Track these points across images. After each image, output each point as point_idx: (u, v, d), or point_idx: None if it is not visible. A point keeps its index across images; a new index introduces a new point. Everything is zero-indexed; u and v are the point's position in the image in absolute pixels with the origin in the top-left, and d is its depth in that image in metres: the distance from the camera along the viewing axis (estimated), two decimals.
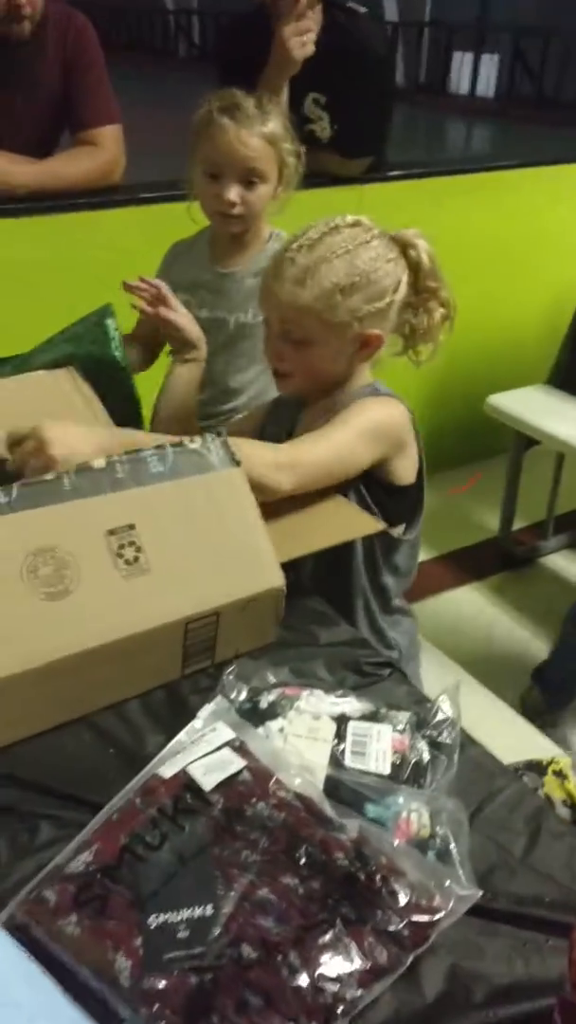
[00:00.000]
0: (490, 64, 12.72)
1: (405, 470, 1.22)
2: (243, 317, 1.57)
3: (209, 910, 0.71)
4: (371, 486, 1.21)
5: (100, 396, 1.27)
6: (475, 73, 12.78)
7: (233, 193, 1.48)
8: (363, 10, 2.23)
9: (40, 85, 2.05)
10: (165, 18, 17.16)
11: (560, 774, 1.39)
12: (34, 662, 0.88)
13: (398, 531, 1.25)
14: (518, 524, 2.72)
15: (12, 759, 0.91)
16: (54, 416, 1.24)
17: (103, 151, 2.08)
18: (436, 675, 1.64)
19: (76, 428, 1.05)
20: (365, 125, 2.33)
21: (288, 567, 1.05)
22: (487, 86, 12.84)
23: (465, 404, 2.73)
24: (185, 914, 0.71)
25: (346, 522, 1.17)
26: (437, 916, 0.71)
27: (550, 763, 1.40)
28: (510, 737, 1.72)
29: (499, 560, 2.70)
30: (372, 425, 1.16)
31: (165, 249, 1.74)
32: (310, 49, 1.95)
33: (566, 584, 2.65)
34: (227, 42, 2.33)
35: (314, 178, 2.35)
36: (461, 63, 13.07)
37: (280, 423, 1.31)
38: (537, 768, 1.37)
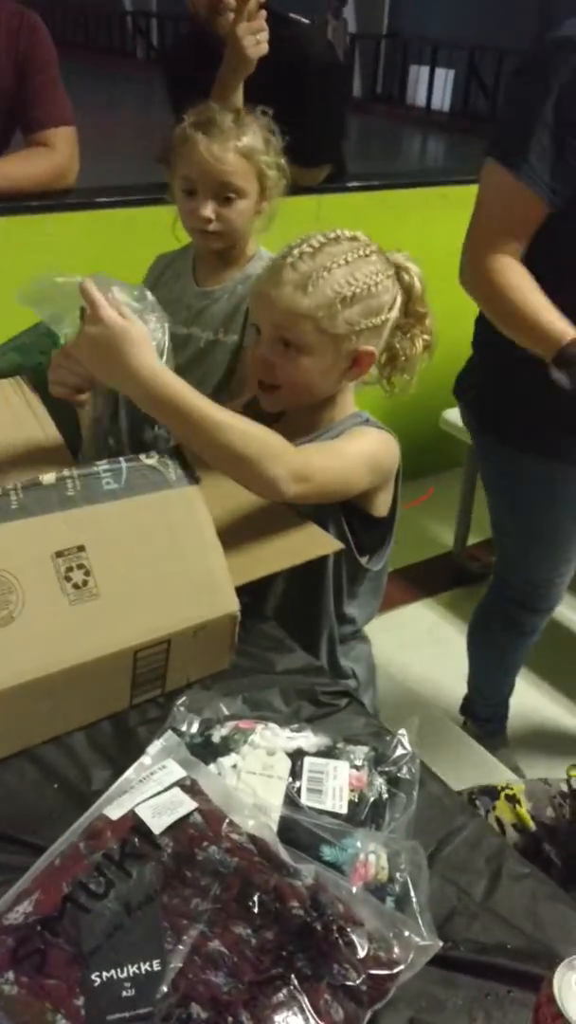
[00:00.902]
0: (446, 78, 12.88)
1: (383, 503, 1.20)
2: (212, 335, 1.53)
3: (156, 965, 0.67)
4: (348, 514, 1.18)
5: (49, 407, 1.22)
6: (431, 86, 12.94)
7: (208, 209, 1.44)
8: (306, 21, 2.22)
9: None
10: (123, 19, 17.03)
11: (513, 799, 1.38)
12: None
13: (364, 559, 1.22)
14: (472, 540, 2.72)
15: None
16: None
17: (56, 153, 2.02)
18: (392, 698, 1.63)
19: (125, 346, 0.95)
20: (318, 134, 2.31)
21: (247, 590, 1.01)
22: (443, 99, 13.00)
23: (420, 417, 2.72)
24: (131, 970, 0.67)
25: (303, 542, 1.14)
26: (396, 969, 0.68)
27: (504, 788, 1.40)
28: (466, 761, 1.72)
29: (453, 576, 2.69)
30: (372, 454, 1.14)
31: (118, 254, 1.69)
32: (264, 48, 1.93)
33: None
34: (172, 66, 2.30)
35: None
36: (417, 76, 13.23)
37: None
38: (491, 792, 1.37)
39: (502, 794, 1.39)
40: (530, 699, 2.26)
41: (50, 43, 2.01)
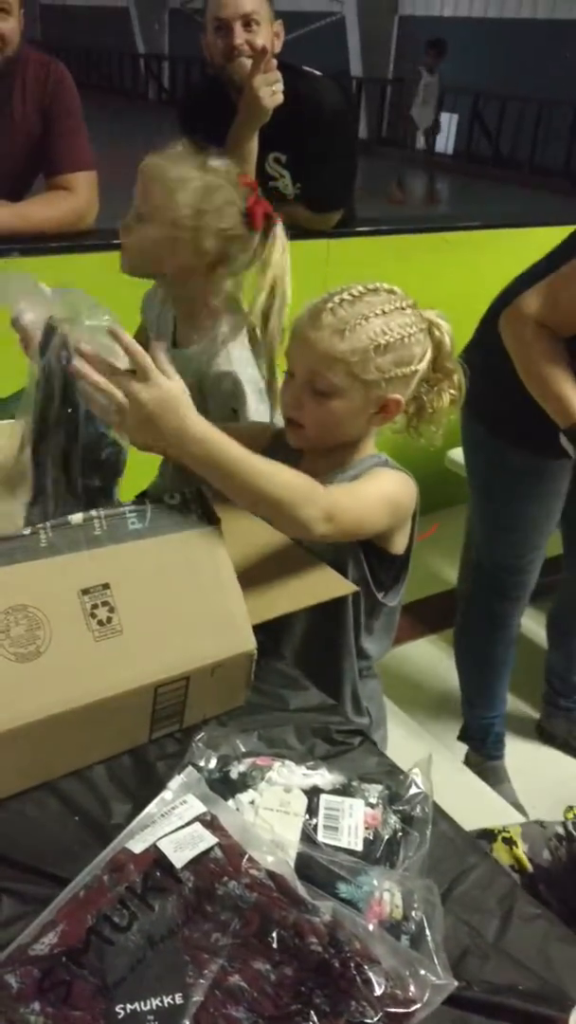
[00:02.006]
0: (449, 123, 13.14)
1: (400, 542, 1.23)
2: None
3: (179, 999, 0.68)
4: (367, 551, 1.21)
5: None
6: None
7: None
8: (319, 74, 2.30)
9: (15, 126, 2.05)
10: (136, 61, 17.41)
11: (509, 841, 1.39)
12: (1, 727, 0.85)
13: (380, 595, 1.25)
14: None
15: None
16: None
17: (76, 196, 2.09)
18: (398, 735, 1.64)
19: (178, 409, 0.96)
20: (329, 181, 2.38)
21: (263, 628, 1.04)
22: (447, 143, 13.24)
23: (426, 455, 2.76)
24: (154, 1003, 0.68)
25: (319, 584, 1.17)
26: (413, 1008, 0.70)
27: (501, 831, 1.41)
28: (470, 798, 1.73)
29: None
30: (393, 496, 1.17)
31: (137, 294, 1.73)
32: (279, 98, 2.00)
33: (522, 638, 2.67)
34: (188, 115, 2.38)
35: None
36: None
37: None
38: (488, 836, 1.38)
39: (499, 837, 1.40)
40: (526, 734, 2.28)
41: (75, 92, 2.08)
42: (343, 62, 13.10)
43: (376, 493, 1.16)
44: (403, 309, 1.17)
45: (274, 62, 2.04)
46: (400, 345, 1.15)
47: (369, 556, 1.21)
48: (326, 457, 1.23)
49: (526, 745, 2.28)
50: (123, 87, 17.16)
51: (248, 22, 2.07)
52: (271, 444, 1.31)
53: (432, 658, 2.54)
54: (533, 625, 2.48)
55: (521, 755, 2.20)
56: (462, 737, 2.16)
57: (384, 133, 13.67)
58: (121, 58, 17.37)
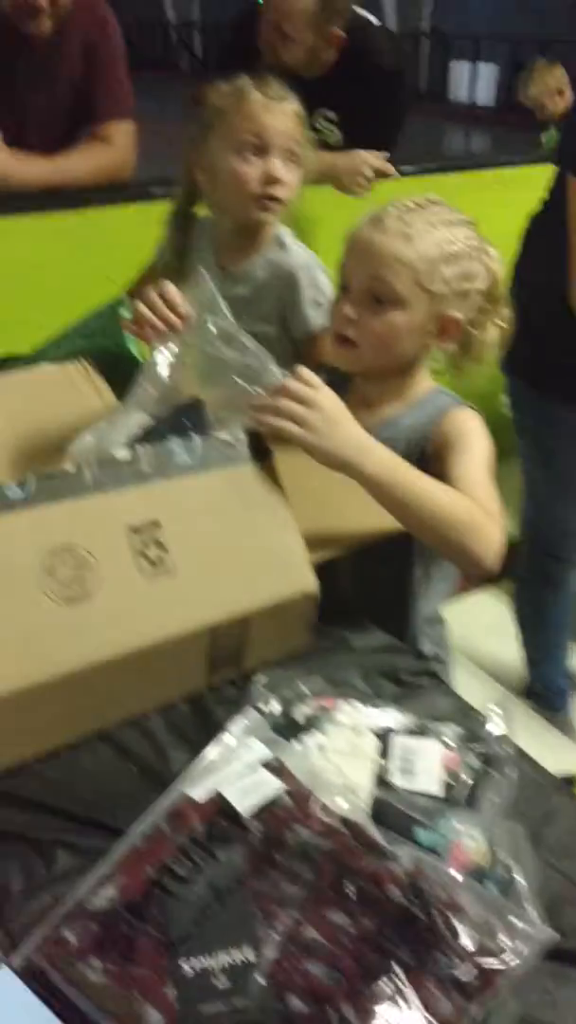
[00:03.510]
0: (488, 73, 12.72)
1: None
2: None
3: (250, 955, 0.63)
4: None
5: (114, 390, 1.19)
6: (473, 82, 12.79)
7: (284, 170, 1.32)
8: (376, 21, 2.16)
9: (61, 81, 1.97)
10: (166, 31, 17.18)
11: None
12: (50, 673, 0.80)
13: None
14: None
15: (24, 779, 0.83)
16: (63, 411, 1.16)
17: (113, 148, 2.01)
18: (464, 682, 1.57)
19: (351, 418, 0.95)
20: (376, 137, 2.26)
21: (325, 569, 0.97)
22: (487, 95, 12.83)
23: (478, 402, 2.66)
24: (223, 959, 0.63)
25: (376, 519, 1.09)
26: (506, 961, 0.63)
27: None
28: (543, 745, 1.66)
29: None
30: (492, 453, 1.10)
31: None
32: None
33: None
34: (227, 52, 2.26)
35: None
36: (460, 72, 13.09)
37: None
38: (569, 783, 1.32)
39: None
40: None
41: (119, 35, 2.00)
42: (376, 14, 12.72)
43: (488, 464, 1.08)
44: (466, 223, 1.10)
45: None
46: (465, 258, 1.08)
47: None
48: (379, 385, 1.15)
49: None
50: (153, 59, 16.93)
51: None
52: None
53: (493, 611, 2.45)
54: None
55: None
56: (526, 694, 2.09)
57: (422, 87, 13.28)
58: (152, 28, 17.13)
